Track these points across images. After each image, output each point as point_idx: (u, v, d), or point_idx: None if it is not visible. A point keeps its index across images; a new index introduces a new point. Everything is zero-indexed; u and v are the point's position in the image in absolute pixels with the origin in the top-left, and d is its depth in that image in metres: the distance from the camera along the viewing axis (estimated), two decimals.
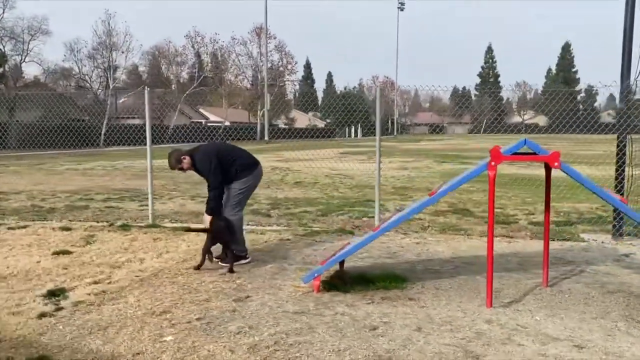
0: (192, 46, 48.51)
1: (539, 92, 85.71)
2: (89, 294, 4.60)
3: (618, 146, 6.98)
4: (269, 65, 51.96)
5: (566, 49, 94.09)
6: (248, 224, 7.86)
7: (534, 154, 4.05)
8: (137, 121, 49.13)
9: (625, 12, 6.81)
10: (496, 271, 5.33)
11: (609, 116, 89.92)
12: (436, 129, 69.93)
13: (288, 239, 6.77)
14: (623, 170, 6.92)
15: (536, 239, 6.92)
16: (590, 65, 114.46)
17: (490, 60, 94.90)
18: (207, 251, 5.46)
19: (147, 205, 9.57)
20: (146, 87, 7.87)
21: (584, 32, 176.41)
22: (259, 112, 54.25)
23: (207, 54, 49.74)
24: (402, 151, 29.56)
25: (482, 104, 79.93)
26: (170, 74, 50.92)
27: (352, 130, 66.61)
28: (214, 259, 5.61)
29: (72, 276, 5.13)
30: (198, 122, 55.87)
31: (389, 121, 74.76)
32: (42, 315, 4.10)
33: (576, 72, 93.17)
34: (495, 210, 9.14)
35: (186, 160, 5.42)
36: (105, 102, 40.61)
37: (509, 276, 5.20)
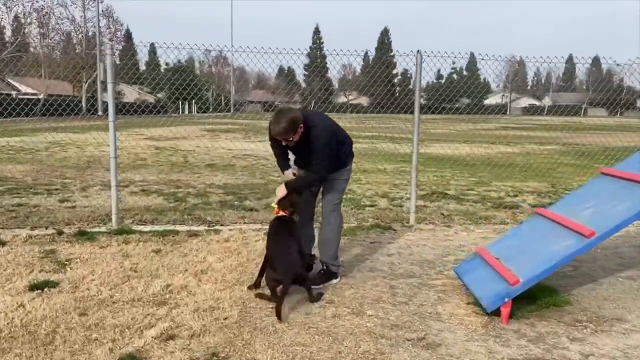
0: (5, 4, 41.00)
1: (357, 73, 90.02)
2: None
3: None
4: (94, 33, 46.16)
5: (385, 34, 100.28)
6: (245, 223, 6.26)
7: None
8: None
9: None
10: (627, 268, 4.65)
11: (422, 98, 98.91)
12: (269, 108, 69.74)
13: None
14: None
15: None
16: (408, 50, 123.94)
17: (318, 42, 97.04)
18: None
19: (68, 201, 7.32)
20: (108, 42, 5.69)
21: (401, 17, 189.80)
22: (84, 84, 48.33)
23: (23, 15, 42.46)
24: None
25: (311, 84, 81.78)
26: None
27: (187, 106, 63.04)
28: None
29: (116, 328, 3.25)
30: (7, 94, 47.94)
31: (223, 98, 72.45)
32: None
33: (393, 56, 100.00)
34: (483, 194, 8.64)
35: (301, 131, 3.74)
36: None
37: None
